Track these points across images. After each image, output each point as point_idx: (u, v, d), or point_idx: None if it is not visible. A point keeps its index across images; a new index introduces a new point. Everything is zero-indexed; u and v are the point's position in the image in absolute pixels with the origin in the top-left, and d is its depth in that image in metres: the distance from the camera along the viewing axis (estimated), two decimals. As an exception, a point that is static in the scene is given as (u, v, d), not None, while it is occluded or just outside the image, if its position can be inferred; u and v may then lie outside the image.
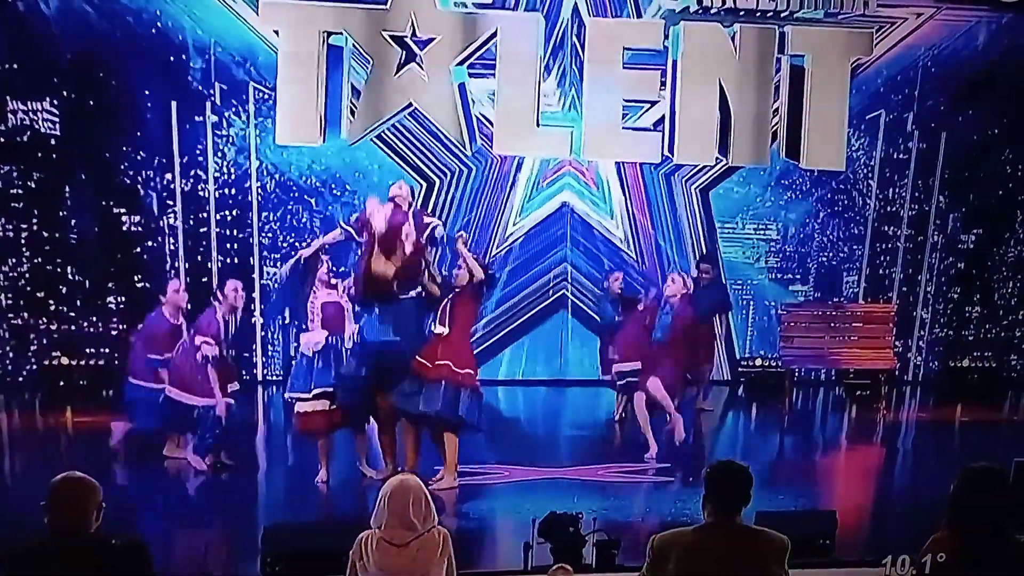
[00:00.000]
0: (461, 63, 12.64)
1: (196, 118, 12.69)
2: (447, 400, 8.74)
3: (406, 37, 12.53)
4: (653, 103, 13.10)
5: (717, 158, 13.16)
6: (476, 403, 8.89)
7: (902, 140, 13.98)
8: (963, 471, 4.53)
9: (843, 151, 13.26)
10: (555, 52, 13.12)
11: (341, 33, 12.48)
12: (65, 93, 12.38)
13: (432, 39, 12.54)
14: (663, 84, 12.93)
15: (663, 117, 13.04)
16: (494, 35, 12.59)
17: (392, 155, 13.16)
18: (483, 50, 12.65)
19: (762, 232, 14.02)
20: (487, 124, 12.89)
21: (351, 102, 12.59)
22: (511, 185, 13.49)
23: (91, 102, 12.39)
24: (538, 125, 12.72)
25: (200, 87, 12.63)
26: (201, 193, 12.89)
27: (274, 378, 13.16)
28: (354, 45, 12.53)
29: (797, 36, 13.01)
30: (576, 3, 13.11)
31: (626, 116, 12.96)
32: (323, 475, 8.96)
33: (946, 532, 4.46)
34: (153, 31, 12.41)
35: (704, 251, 13.30)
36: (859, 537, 7.87)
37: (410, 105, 12.70)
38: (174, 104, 12.59)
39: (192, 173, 12.84)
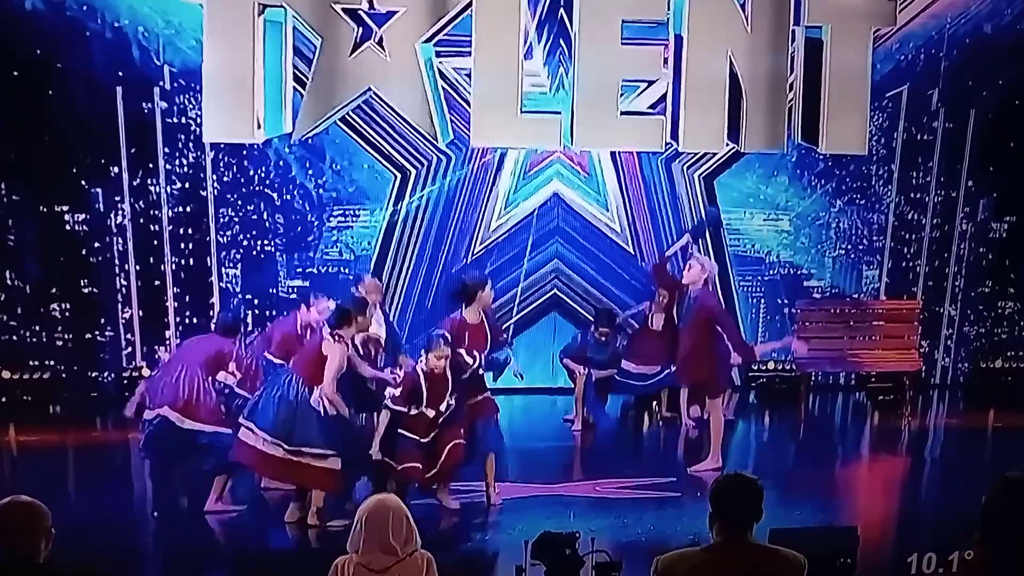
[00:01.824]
0: (429, 40, 12.30)
1: (144, 105, 12.66)
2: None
3: (361, 10, 12.16)
4: (651, 83, 13.06)
5: (727, 144, 13.12)
6: None
7: (926, 119, 14.02)
8: (998, 481, 4.57)
9: (865, 133, 13.20)
10: (541, 25, 12.99)
11: (280, 6, 12.03)
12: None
13: (394, 12, 12.17)
14: (666, 61, 12.74)
15: (663, 96, 12.98)
16: (469, 6, 12.24)
17: (360, 141, 13.08)
18: (455, 23, 12.33)
19: (773, 223, 14.07)
20: (464, 106, 12.74)
21: (299, 87, 12.24)
22: (495, 175, 13.46)
23: (27, 88, 12.35)
24: (522, 112, 12.45)
25: (147, 71, 12.57)
26: (152, 188, 12.89)
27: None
28: (297, 19, 12.12)
29: (815, 5, 12.84)
30: (565, -33, 12.79)
31: (622, 96, 12.85)
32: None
33: (979, 551, 4.50)
34: (94, 8, 12.36)
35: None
36: (883, 555, 7.94)
37: (368, 91, 12.35)
38: (119, 90, 12.55)
39: (141, 166, 12.82)
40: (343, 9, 12.17)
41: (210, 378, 9.25)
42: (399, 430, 8.90)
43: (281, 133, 12.45)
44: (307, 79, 12.29)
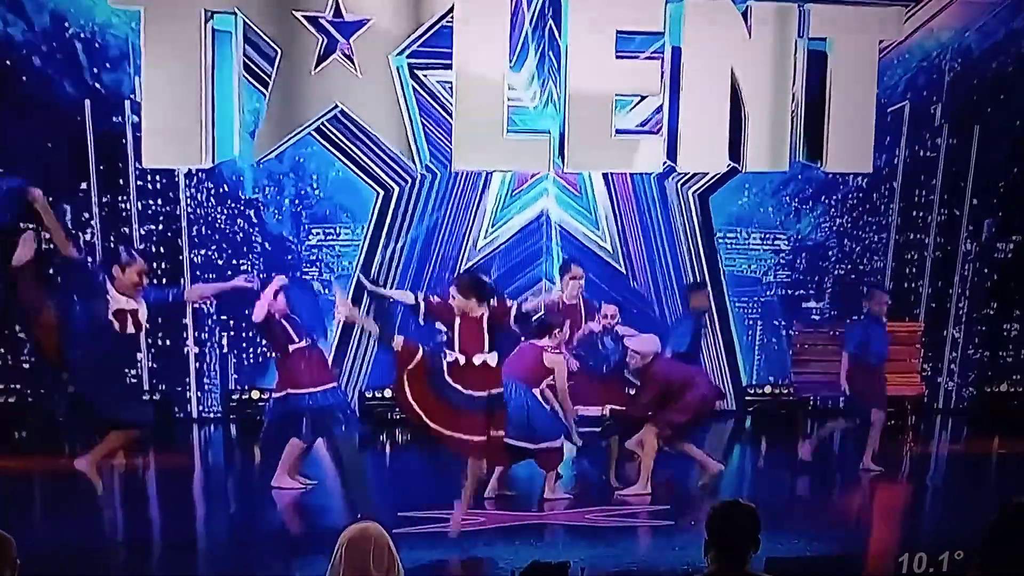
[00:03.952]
0: (403, 52, 12.19)
1: (114, 119, 12.67)
2: None
3: (322, 18, 11.95)
4: (643, 98, 13.03)
5: (728, 164, 13.09)
6: None
7: (929, 135, 14.10)
8: (1002, 507, 4.62)
9: (871, 150, 13.24)
10: (529, 37, 12.94)
11: (232, 13, 11.76)
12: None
13: (364, 21, 12.02)
14: (663, 75, 12.68)
15: (656, 111, 12.98)
16: (449, 13, 12.15)
17: (340, 156, 13.05)
18: (432, 32, 12.25)
19: (770, 242, 14.10)
20: (447, 119, 12.67)
21: (258, 91, 12.12)
22: (481, 193, 13.46)
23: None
24: (507, 132, 12.39)
25: (117, 83, 12.54)
26: (122, 205, 12.89)
27: (211, 416, 13.15)
28: (250, 28, 11.88)
29: (818, 15, 12.86)
30: (554, -26, 12.71)
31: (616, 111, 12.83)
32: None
33: (978, 573, 4.55)
34: (62, 18, 12.34)
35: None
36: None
37: (335, 108, 12.19)
38: (87, 103, 12.55)
39: (111, 182, 12.81)
40: (305, 17, 11.93)
41: None
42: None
43: (233, 156, 12.27)
44: (264, 95, 12.12)
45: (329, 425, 10.35)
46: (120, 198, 12.85)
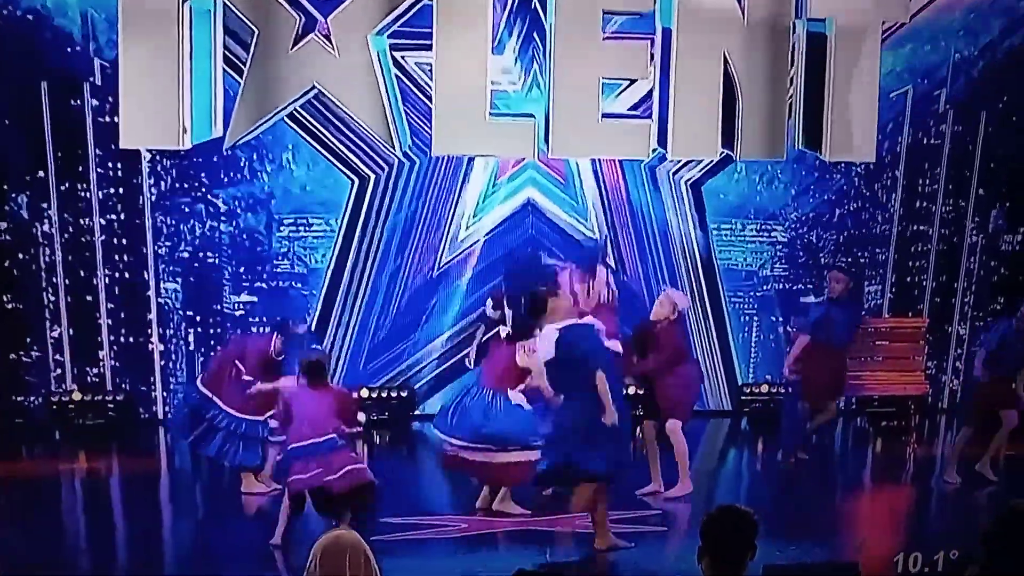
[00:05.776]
0: (382, 31, 12.14)
1: (72, 102, 12.66)
2: None
3: None
4: (632, 82, 13.04)
5: (721, 152, 13.11)
6: None
7: (933, 122, 14.13)
8: (1002, 508, 4.67)
9: (874, 138, 13.15)
10: (512, 17, 12.98)
11: None
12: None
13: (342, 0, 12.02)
14: (652, 58, 12.63)
15: (646, 96, 12.97)
16: None
17: (313, 142, 13.03)
18: (413, 12, 12.19)
19: (766, 233, 14.13)
20: (427, 103, 12.56)
21: (233, 80, 12.10)
22: (463, 181, 13.47)
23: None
24: (490, 115, 12.30)
25: (76, 64, 12.53)
26: (81, 194, 12.86)
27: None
28: (228, 8, 11.90)
29: None
30: (540, -47, 12.71)
31: (602, 96, 12.79)
32: None
33: (976, 571, 4.60)
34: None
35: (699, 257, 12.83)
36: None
37: (313, 90, 12.18)
38: (44, 85, 12.53)
39: (69, 170, 12.78)
40: None
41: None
42: None
43: (211, 138, 12.24)
44: (241, 76, 12.12)
45: (239, 454, 10.42)
46: (79, 186, 12.81)
